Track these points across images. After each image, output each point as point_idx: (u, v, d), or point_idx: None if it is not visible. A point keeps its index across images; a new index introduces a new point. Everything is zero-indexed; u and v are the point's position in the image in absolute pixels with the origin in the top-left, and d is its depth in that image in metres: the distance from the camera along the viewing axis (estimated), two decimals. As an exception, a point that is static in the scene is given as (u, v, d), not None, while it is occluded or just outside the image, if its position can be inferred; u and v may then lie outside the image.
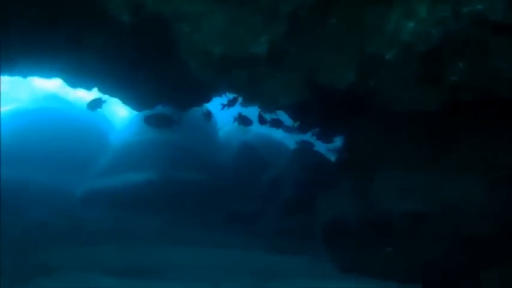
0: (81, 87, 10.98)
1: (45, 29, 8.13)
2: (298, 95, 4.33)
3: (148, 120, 9.51)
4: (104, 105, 10.81)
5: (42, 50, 8.87)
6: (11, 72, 9.97)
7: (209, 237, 7.30)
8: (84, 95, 16.36)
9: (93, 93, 12.54)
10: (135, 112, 19.08)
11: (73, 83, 10.83)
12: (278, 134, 18.60)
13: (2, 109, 13.36)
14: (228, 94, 12.15)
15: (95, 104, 10.94)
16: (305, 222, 7.99)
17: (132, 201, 8.90)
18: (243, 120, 11.34)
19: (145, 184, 9.47)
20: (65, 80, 10.81)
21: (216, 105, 12.16)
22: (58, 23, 8.07)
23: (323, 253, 6.17)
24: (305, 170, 9.90)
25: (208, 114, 11.66)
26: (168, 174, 10.07)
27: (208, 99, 10.82)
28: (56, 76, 10.74)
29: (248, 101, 4.74)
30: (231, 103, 10.92)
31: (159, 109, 10.84)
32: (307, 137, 12.79)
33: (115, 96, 10.98)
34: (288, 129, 11.11)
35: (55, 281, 4.60)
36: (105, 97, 11.08)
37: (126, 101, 10.84)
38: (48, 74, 10.69)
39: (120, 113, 19.68)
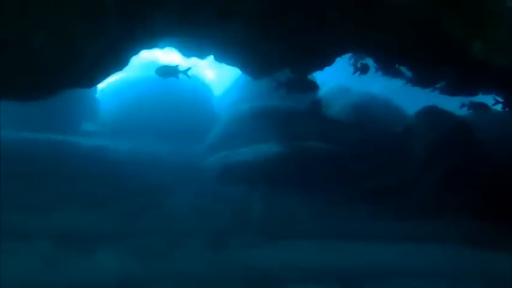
0: (195, 55, 10.54)
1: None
2: None
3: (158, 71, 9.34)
4: (186, 72, 10.12)
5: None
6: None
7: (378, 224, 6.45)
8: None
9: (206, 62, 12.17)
10: (223, 75, 18.89)
11: (187, 51, 10.40)
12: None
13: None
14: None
15: (167, 70, 10.27)
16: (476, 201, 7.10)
17: (267, 176, 8.42)
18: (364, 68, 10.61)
19: (277, 157, 8.93)
20: (178, 49, 10.39)
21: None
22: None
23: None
24: (451, 137, 8.98)
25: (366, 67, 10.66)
26: (295, 144, 9.50)
27: (330, 62, 10.01)
28: (169, 46, 10.33)
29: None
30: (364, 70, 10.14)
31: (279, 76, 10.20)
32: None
33: (232, 64, 10.46)
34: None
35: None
36: (185, 65, 10.49)
37: (244, 68, 10.28)
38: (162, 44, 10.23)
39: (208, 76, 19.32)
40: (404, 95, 14.69)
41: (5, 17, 5.52)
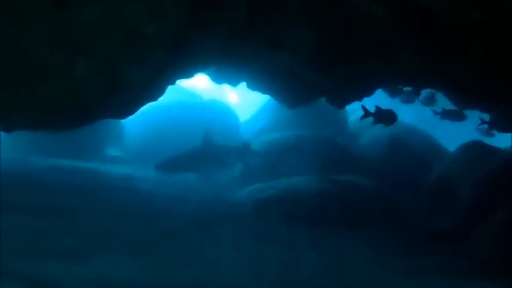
0: (226, 82, 10.14)
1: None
2: None
3: None
4: None
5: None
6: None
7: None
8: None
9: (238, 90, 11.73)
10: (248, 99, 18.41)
11: (219, 78, 9.99)
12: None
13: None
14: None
15: None
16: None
17: (310, 215, 7.84)
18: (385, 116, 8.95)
19: (318, 193, 8.34)
20: (209, 75, 10.00)
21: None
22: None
23: None
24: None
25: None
26: (336, 180, 8.92)
27: (370, 93, 9.51)
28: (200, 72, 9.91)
29: None
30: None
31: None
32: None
33: (266, 93, 10.03)
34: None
35: None
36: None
37: (278, 98, 9.82)
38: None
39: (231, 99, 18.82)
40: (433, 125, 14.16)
41: (46, 46, 5.14)
